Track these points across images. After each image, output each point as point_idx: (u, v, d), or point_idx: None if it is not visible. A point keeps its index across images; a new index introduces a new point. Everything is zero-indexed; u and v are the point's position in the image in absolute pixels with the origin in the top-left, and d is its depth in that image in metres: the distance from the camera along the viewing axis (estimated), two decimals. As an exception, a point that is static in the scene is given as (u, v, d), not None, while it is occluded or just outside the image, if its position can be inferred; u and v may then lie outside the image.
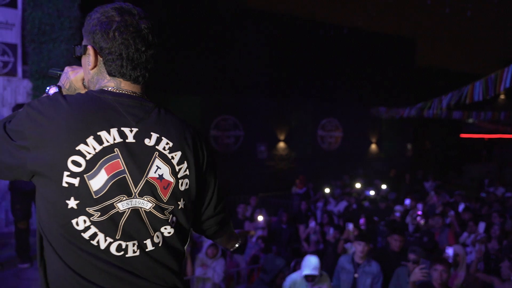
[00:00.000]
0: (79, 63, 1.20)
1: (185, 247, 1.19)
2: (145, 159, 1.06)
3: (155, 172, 1.07)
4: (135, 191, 1.04)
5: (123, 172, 1.03)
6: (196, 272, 5.19)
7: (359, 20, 12.15)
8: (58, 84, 1.26)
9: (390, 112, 10.64)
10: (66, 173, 0.99)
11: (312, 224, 6.63)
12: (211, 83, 10.71)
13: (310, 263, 4.12)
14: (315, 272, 4.03)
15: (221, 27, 11.12)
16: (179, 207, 1.12)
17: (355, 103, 13.64)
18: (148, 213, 1.06)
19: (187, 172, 1.13)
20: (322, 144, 13.51)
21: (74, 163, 0.99)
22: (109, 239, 1.02)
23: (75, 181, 0.99)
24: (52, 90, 1.22)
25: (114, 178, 1.02)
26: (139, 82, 1.14)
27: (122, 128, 1.04)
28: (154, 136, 1.08)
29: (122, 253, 1.04)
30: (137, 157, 1.05)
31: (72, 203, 1.00)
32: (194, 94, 10.62)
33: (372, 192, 9.37)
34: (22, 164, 1.04)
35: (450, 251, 4.59)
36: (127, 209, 1.04)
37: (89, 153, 1.00)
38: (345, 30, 12.34)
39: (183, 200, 1.13)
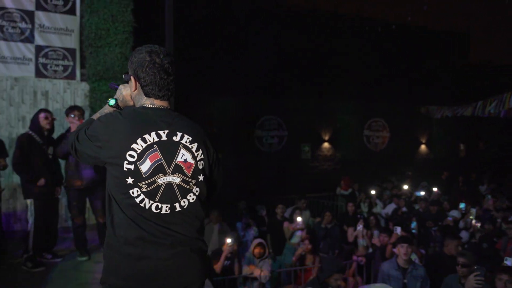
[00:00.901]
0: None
1: (204, 212, 1.72)
2: (174, 149, 1.63)
3: (181, 158, 1.64)
4: (169, 171, 1.62)
5: (160, 160, 1.61)
6: (243, 271, 5.23)
7: (408, 15, 11.67)
8: (115, 96, 1.84)
9: (442, 111, 10.12)
10: (126, 162, 1.59)
11: (359, 227, 6.45)
12: (254, 84, 10.75)
13: None
14: None
15: (263, 27, 11.14)
16: (200, 180, 1.69)
17: (403, 101, 13.15)
18: (178, 185, 1.64)
19: (202, 156, 1.69)
20: (368, 145, 13.14)
21: (130, 156, 1.59)
22: (151, 202, 1.60)
23: (131, 167, 1.59)
24: (112, 101, 1.82)
25: (155, 164, 1.60)
26: (165, 99, 1.71)
27: (158, 131, 1.62)
28: (179, 134, 1.65)
29: (158, 211, 1.61)
30: (168, 149, 1.62)
31: (129, 180, 1.59)
32: (238, 95, 10.72)
33: (422, 193, 8.97)
34: (97, 157, 1.65)
35: (509, 262, 4.28)
36: (164, 183, 1.61)
37: (139, 149, 1.59)
38: (394, 26, 11.92)
39: (202, 175, 1.69)
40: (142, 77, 1.66)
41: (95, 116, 1.81)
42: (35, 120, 4.37)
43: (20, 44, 5.75)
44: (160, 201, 1.61)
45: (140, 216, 1.60)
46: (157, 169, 1.60)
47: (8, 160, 4.41)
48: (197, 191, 1.68)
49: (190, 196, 1.66)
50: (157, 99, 1.69)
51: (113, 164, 1.61)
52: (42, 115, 4.36)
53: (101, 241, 4.79)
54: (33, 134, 4.31)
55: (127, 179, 1.58)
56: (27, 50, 5.78)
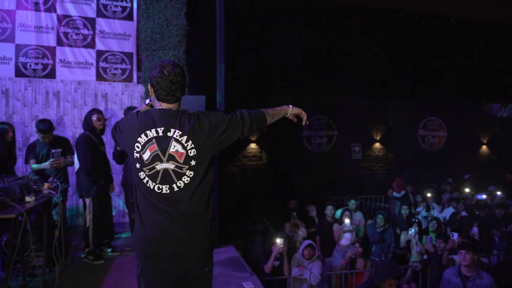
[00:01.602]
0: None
1: (206, 191, 2.11)
2: (167, 142, 2.04)
3: (173, 148, 2.03)
4: (164, 159, 2.04)
5: (157, 150, 2.04)
6: (293, 273, 5.19)
7: (468, 8, 10.96)
8: (149, 98, 2.28)
9: (508, 110, 9.41)
10: (134, 151, 2.06)
11: (411, 231, 6.16)
12: (303, 83, 10.65)
13: None
14: None
15: (316, 25, 10.99)
16: (192, 165, 2.05)
17: (462, 99, 12.40)
18: (173, 170, 2.04)
19: (192, 145, 2.04)
20: (423, 145, 12.54)
21: (137, 147, 2.05)
22: (153, 183, 2.05)
23: (138, 155, 2.06)
24: (147, 101, 2.28)
25: (153, 154, 2.04)
26: (171, 102, 2.11)
27: (157, 129, 2.04)
28: (172, 130, 2.04)
29: (160, 191, 2.05)
30: (163, 142, 2.04)
31: (138, 165, 2.07)
32: (286, 94, 10.68)
33: (484, 196, 8.39)
34: (124, 144, 2.16)
35: None
36: (161, 168, 2.04)
37: (142, 142, 2.04)
38: (452, 20, 11.27)
39: (194, 160, 2.05)
40: (154, 85, 2.08)
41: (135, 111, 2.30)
42: (89, 121, 4.58)
43: (83, 50, 6.13)
44: (160, 183, 2.05)
45: (148, 193, 2.08)
46: (155, 158, 2.04)
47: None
48: (191, 174, 2.06)
49: (184, 178, 2.06)
50: (164, 102, 2.10)
51: (129, 152, 2.12)
52: (94, 116, 4.57)
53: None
54: (91, 135, 4.57)
55: (136, 165, 2.07)
56: (89, 55, 6.15)
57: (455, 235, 5.66)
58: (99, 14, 6.19)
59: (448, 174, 11.21)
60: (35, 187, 3.75)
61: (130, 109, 4.74)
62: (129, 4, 6.32)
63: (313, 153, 11.22)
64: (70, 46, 6.11)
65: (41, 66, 5.98)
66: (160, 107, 2.10)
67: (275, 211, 7.46)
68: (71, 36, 6.10)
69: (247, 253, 5.65)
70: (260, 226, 6.86)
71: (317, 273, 5.18)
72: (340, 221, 6.61)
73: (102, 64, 6.18)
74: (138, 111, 2.18)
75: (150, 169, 2.04)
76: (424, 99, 12.23)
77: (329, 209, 6.89)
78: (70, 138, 5.93)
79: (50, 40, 6.02)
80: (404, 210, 7.22)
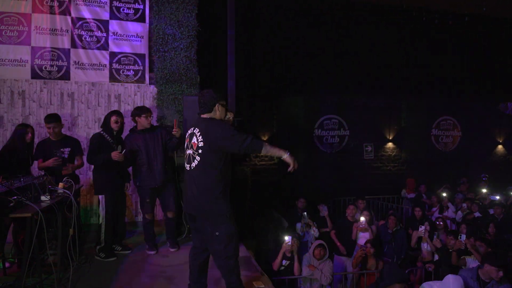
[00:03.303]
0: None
1: (211, 171, 3.09)
2: (192, 137, 3.20)
3: (193, 140, 3.16)
4: (189, 147, 3.22)
5: (188, 142, 3.26)
6: (303, 272, 5.19)
7: (482, 5, 10.77)
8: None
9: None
10: (185, 140, 3.34)
11: (421, 228, 6.10)
12: (315, 83, 10.62)
13: (455, 286, 3.74)
14: None
15: (326, 24, 10.95)
16: (199, 152, 3.10)
17: (477, 98, 12.19)
18: (191, 155, 3.18)
19: (201, 139, 3.09)
20: (437, 145, 12.37)
21: (185, 138, 3.35)
22: (185, 163, 3.26)
23: (185, 144, 3.34)
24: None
25: (186, 144, 3.29)
26: (204, 113, 3.25)
27: (192, 128, 3.26)
28: (196, 129, 3.18)
29: (187, 168, 3.23)
30: (191, 136, 3.22)
31: (186, 150, 3.29)
32: (297, 94, 10.66)
33: (497, 197, 8.24)
34: None
35: None
36: (188, 153, 3.23)
37: (186, 135, 3.33)
38: (466, 18, 11.08)
39: (201, 150, 3.09)
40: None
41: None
42: (107, 121, 4.70)
43: (97, 52, 6.24)
44: (187, 163, 3.22)
45: (185, 170, 3.26)
46: (187, 146, 3.26)
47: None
48: (198, 158, 3.11)
49: (195, 161, 3.13)
50: (201, 114, 3.26)
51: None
52: (113, 118, 4.68)
53: (167, 235, 5.05)
54: (104, 134, 4.65)
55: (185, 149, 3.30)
56: (102, 57, 6.25)
57: (463, 237, 5.58)
58: (112, 16, 6.29)
59: (462, 174, 11.04)
60: (50, 186, 3.84)
61: (137, 109, 4.84)
62: (142, 6, 6.40)
63: (325, 153, 11.17)
64: (84, 48, 6.21)
65: (56, 68, 6.10)
66: (200, 117, 3.26)
67: (286, 211, 7.46)
68: (85, 38, 6.21)
69: (258, 252, 5.66)
70: (272, 225, 6.86)
71: (328, 273, 5.17)
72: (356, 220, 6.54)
73: (115, 66, 6.28)
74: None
75: (185, 153, 3.33)
76: (437, 99, 12.06)
77: (350, 209, 6.79)
78: (84, 138, 6.06)
79: (64, 42, 6.14)
80: (417, 212, 7.13)
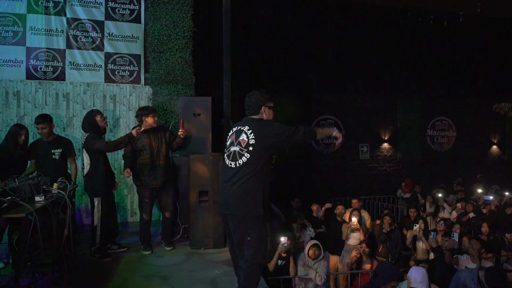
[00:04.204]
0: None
1: (257, 170, 3.05)
2: (240, 134, 3.15)
3: (241, 137, 3.12)
4: (235, 144, 3.14)
5: (233, 139, 3.19)
6: (299, 272, 5.21)
7: (477, 5, 10.83)
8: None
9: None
10: (229, 138, 3.29)
11: (416, 226, 6.15)
12: (311, 84, 10.65)
13: (417, 276, 3.83)
14: (423, 287, 3.73)
15: (321, 25, 10.99)
16: (250, 149, 3.05)
17: (471, 99, 12.27)
18: (238, 152, 3.10)
19: (253, 137, 3.06)
20: (432, 145, 12.43)
21: (229, 136, 3.31)
22: (227, 160, 3.19)
23: (228, 142, 3.28)
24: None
25: (230, 141, 3.22)
26: (249, 114, 3.25)
27: (238, 126, 3.23)
28: (246, 127, 3.14)
29: (230, 165, 3.14)
30: (238, 133, 3.17)
31: (230, 148, 3.21)
32: (294, 95, 10.69)
33: (491, 197, 8.31)
34: None
35: None
36: (233, 150, 3.14)
37: (230, 133, 3.28)
38: (461, 18, 11.11)
39: (252, 147, 3.04)
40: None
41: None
42: (93, 123, 4.66)
43: (92, 52, 6.23)
44: (231, 160, 3.13)
45: (225, 168, 3.20)
46: (230, 144, 3.18)
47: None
48: (247, 156, 3.04)
49: (243, 158, 3.06)
50: (247, 115, 3.25)
51: None
52: (98, 117, 4.69)
53: (163, 235, 5.07)
54: (96, 135, 4.63)
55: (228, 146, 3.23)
56: (98, 57, 6.25)
57: (456, 236, 5.63)
58: (108, 17, 6.29)
59: (457, 175, 11.11)
60: (44, 187, 3.84)
61: (144, 109, 4.93)
62: (137, 7, 6.40)
63: (321, 153, 11.21)
64: (79, 48, 6.21)
65: (51, 69, 6.10)
66: (246, 117, 3.27)
67: (283, 212, 7.48)
68: (80, 39, 6.21)
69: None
70: (268, 226, 6.87)
71: (323, 273, 5.19)
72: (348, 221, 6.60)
73: (110, 66, 6.28)
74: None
75: (227, 151, 3.28)
76: (433, 99, 12.13)
77: (339, 209, 6.87)
78: (79, 139, 6.05)
79: (60, 43, 6.13)
80: (412, 212, 7.17)
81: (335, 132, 3.25)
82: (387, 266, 4.10)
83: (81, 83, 6.17)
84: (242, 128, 3.12)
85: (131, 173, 4.81)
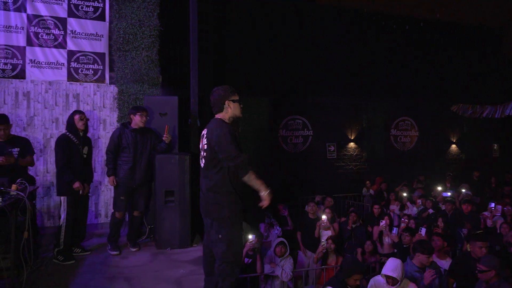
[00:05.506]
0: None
1: (218, 173, 3.08)
2: (203, 139, 3.20)
3: (203, 143, 3.18)
4: (201, 149, 3.22)
5: (202, 143, 3.22)
6: (265, 270, 5.29)
7: (436, 11, 11.35)
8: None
9: (475, 110, 9.78)
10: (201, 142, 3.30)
11: (382, 222, 6.39)
12: (279, 84, 10.78)
13: (391, 265, 4.00)
14: (394, 274, 3.89)
15: (289, 26, 11.15)
16: (204, 155, 3.14)
17: (432, 100, 12.80)
18: (202, 157, 3.19)
19: (206, 142, 3.11)
20: (396, 144, 12.89)
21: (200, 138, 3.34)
22: (201, 163, 3.23)
23: (200, 145, 3.30)
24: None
25: (200, 145, 3.26)
26: (216, 112, 3.23)
27: (205, 130, 3.24)
28: (205, 130, 3.21)
29: (202, 166, 3.22)
30: (202, 138, 3.22)
31: (201, 152, 3.26)
32: (263, 95, 10.78)
33: (449, 194, 8.72)
34: None
35: None
36: (202, 154, 3.20)
37: (201, 137, 3.30)
38: (422, 23, 11.62)
39: (205, 153, 3.12)
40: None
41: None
42: (70, 122, 4.64)
43: (54, 50, 6.06)
44: (201, 164, 3.21)
45: (200, 171, 3.25)
46: (202, 148, 3.18)
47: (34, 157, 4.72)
48: (207, 160, 3.10)
49: (205, 159, 3.14)
50: (214, 113, 3.21)
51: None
52: (76, 116, 4.64)
53: (129, 235, 5.03)
54: (70, 135, 4.57)
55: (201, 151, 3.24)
56: (60, 55, 6.08)
57: (423, 230, 5.90)
58: (71, 14, 6.14)
59: (419, 172, 11.56)
60: (1, 188, 3.71)
61: (133, 107, 4.98)
62: (101, 4, 6.28)
63: (289, 152, 11.37)
64: (40, 46, 6.02)
65: (10, 66, 5.88)
66: (214, 118, 3.22)
67: (250, 211, 7.54)
68: (42, 36, 6.02)
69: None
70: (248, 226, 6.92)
71: (289, 270, 5.29)
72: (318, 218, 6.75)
73: (73, 65, 6.13)
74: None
75: (200, 154, 3.27)
76: (396, 100, 12.56)
77: (311, 206, 7.00)
78: (41, 139, 5.88)
79: (19, 40, 5.93)
80: (376, 209, 7.41)
81: (264, 193, 3.03)
82: (350, 260, 4.25)
83: (43, 82, 5.98)
84: (203, 133, 3.21)
85: (115, 184, 4.81)
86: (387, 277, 3.96)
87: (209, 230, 3.19)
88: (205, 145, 3.11)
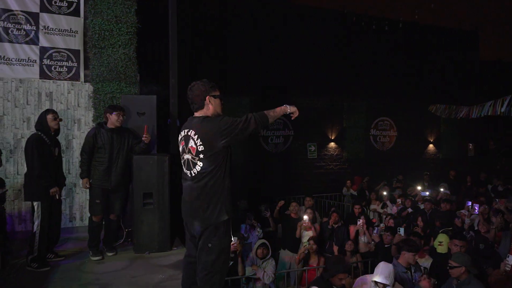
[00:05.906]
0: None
1: (215, 175, 2.72)
2: (188, 140, 2.78)
3: (190, 144, 2.76)
4: (186, 151, 2.80)
5: (184, 145, 2.82)
6: (246, 272, 5.20)
7: (415, 13, 11.53)
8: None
9: (451, 110, 9.97)
10: (179, 144, 2.90)
11: (359, 222, 6.41)
12: (260, 83, 10.71)
13: (384, 271, 3.93)
14: (387, 282, 3.85)
15: (268, 25, 11.10)
16: (201, 157, 2.72)
17: (411, 101, 13.00)
18: (190, 160, 2.78)
19: (200, 143, 2.72)
20: (375, 144, 13.02)
21: (179, 141, 2.91)
22: (184, 169, 2.83)
23: (180, 148, 2.90)
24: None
25: (182, 148, 2.85)
26: (195, 111, 2.86)
27: (185, 130, 2.84)
28: (191, 131, 2.77)
29: (188, 174, 2.80)
30: (186, 139, 2.80)
31: (183, 155, 2.85)
32: (243, 94, 10.69)
33: (427, 193, 8.85)
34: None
35: (510, 259, 4.24)
36: (186, 159, 2.81)
37: (180, 139, 2.88)
38: (400, 24, 11.77)
39: (202, 154, 2.72)
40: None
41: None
42: (42, 121, 4.39)
43: (25, 46, 5.79)
44: (187, 169, 2.82)
45: (184, 175, 2.86)
46: (182, 150, 2.85)
47: (3, 157, 4.45)
48: (201, 164, 2.73)
49: (196, 167, 2.75)
50: (193, 111, 2.88)
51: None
52: (50, 116, 4.40)
53: (105, 240, 4.84)
54: (42, 135, 4.34)
55: (182, 154, 2.87)
56: (32, 52, 5.82)
57: (402, 230, 5.94)
58: (43, 9, 5.88)
59: (399, 172, 11.71)
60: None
61: (110, 106, 4.81)
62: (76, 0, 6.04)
63: (270, 152, 11.31)
64: (10, 42, 5.74)
65: (-22, 63, 5.59)
66: (193, 116, 2.88)
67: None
68: (12, 31, 5.74)
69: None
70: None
71: (271, 271, 5.22)
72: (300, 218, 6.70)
73: (46, 62, 5.87)
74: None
75: (182, 158, 2.87)
76: (376, 100, 12.70)
77: (293, 206, 6.97)
78: (11, 139, 5.61)
79: (-12, 35, 5.63)
80: (357, 209, 7.42)
81: (289, 108, 2.96)
82: (335, 260, 4.21)
83: (13, 79, 5.71)
84: (188, 133, 2.77)
85: (88, 186, 4.63)
86: (378, 283, 3.90)
87: (196, 239, 2.83)
88: (195, 147, 2.71)
